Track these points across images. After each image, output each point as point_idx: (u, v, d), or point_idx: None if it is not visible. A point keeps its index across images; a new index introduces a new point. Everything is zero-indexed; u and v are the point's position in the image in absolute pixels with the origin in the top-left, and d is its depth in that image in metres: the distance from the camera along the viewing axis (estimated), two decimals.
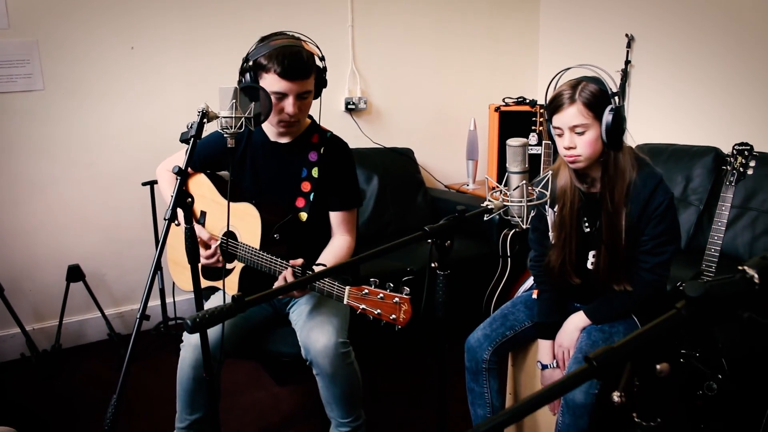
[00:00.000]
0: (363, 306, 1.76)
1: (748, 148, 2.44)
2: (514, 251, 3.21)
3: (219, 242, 2.15)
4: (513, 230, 3.22)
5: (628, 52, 4.07)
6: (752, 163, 2.43)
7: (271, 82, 2.00)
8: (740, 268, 0.76)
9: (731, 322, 0.73)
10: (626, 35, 4.04)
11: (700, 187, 3.51)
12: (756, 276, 0.74)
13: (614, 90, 1.85)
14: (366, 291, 1.76)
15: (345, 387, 2.10)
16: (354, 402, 2.17)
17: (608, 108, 1.83)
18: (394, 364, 3.16)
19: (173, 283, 3.26)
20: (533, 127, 3.55)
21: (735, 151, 2.46)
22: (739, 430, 2.42)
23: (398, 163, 3.88)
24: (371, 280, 1.75)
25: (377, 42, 3.98)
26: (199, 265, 1.81)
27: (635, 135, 4.07)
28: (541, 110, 2.41)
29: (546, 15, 4.60)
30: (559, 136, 1.92)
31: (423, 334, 2.35)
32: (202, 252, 2.14)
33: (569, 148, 1.90)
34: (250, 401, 2.80)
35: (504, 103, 4.00)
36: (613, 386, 0.76)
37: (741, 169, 2.45)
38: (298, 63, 2.00)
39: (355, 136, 3.88)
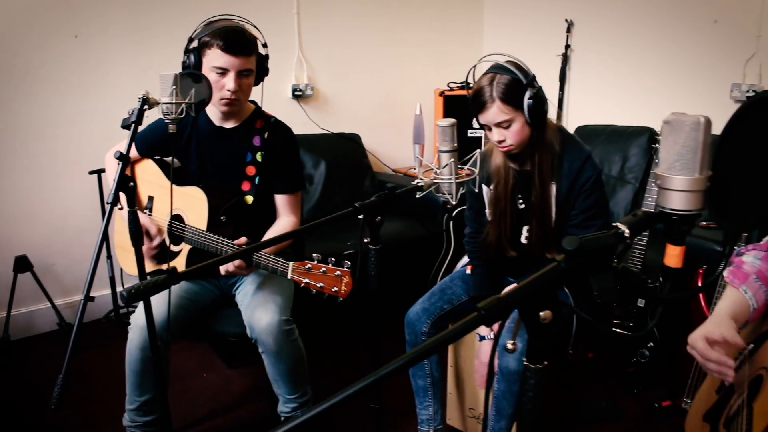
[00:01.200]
0: (306, 280, 1.81)
1: None
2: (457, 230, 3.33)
3: (164, 238, 2.20)
4: (456, 210, 3.32)
5: (567, 36, 4.20)
6: None
7: (213, 58, 2.05)
8: (614, 225, 0.85)
9: (606, 272, 0.82)
10: (566, 20, 4.17)
11: (636, 166, 3.67)
12: (627, 231, 0.84)
13: (528, 74, 1.93)
14: (309, 266, 1.81)
15: (290, 363, 2.17)
16: (300, 378, 2.23)
17: (526, 95, 1.91)
18: (339, 339, 3.26)
19: (121, 271, 3.29)
20: None
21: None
22: (668, 392, 2.58)
23: (346, 149, 3.95)
24: (314, 255, 1.82)
25: (324, 28, 4.03)
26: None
27: (575, 117, 4.23)
28: None
29: (490, 2, 4.70)
30: (489, 131, 2.01)
31: (361, 308, 2.44)
32: (146, 243, 2.20)
33: (500, 142, 1.99)
34: (201, 384, 2.85)
35: (448, 88, 4.09)
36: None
37: None
38: (241, 38, 2.07)
39: (303, 122, 3.93)
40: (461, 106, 3.98)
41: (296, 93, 3.93)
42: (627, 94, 4.00)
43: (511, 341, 0.88)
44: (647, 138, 3.66)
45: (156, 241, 2.24)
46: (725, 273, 1.40)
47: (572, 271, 0.81)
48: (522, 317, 0.82)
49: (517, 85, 1.90)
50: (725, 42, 3.52)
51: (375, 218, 1.57)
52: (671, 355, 2.61)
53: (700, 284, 2.45)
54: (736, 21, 3.46)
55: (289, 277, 1.86)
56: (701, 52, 3.62)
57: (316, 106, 4.07)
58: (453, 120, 1.79)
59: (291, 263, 1.85)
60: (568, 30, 4.19)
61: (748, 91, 3.41)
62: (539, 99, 1.91)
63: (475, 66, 2.01)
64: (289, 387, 2.22)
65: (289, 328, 2.13)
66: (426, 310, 2.22)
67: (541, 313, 0.80)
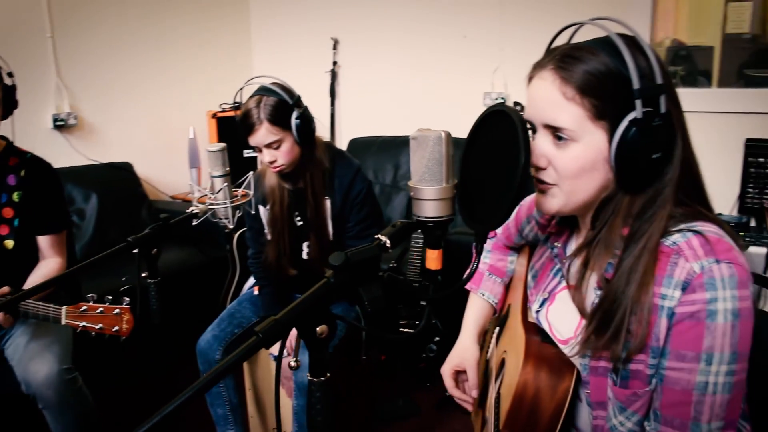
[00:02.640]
0: (83, 323, 1.72)
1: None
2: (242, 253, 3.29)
3: None
4: (239, 232, 3.29)
5: (334, 53, 4.36)
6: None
7: None
8: (376, 237, 0.91)
9: (373, 282, 0.87)
10: (332, 38, 4.33)
11: (407, 173, 3.88)
12: (388, 241, 0.90)
13: (294, 95, 1.99)
14: (84, 308, 1.72)
15: (77, 416, 2.01)
16: (89, 430, 2.08)
17: (293, 115, 1.97)
18: (129, 381, 3.06)
19: None
20: None
21: None
22: None
23: (118, 179, 3.74)
24: (88, 296, 1.72)
25: (83, 53, 3.76)
26: None
27: (348, 130, 4.39)
28: None
29: (256, 20, 4.72)
30: (259, 152, 2.03)
31: (147, 344, 2.33)
32: None
33: (272, 162, 2.01)
34: None
35: (221, 110, 4.04)
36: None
37: None
38: None
39: (68, 154, 3.64)
40: (235, 128, 3.96)
41: (57, 123, 3.62)
42: (394, 106, 4.24)
43: (294, 359, 0.90)
44: None
45: None
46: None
47: (342, 285, 0.85)
48: (299, 335, 0.84)
49: (283, 106, 1.95)
50: (475, 55, 3.88)
51: (151, 251, 1.52)
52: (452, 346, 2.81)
53: None
54: (481, 36, 3.83)
55: (63, 323, 1.73)
56: (455, 65, 3.96)
57: (81, 136, 3.79)
58: (223, 144, 1.79)
59: (64, 308, 1.73)
60: (335, 47, 4.35)
61: (497, 99, 3.79)
62: (306, 119, 1.98)
63: (242, 88, 2.02)
64: None
65: (71, 377, 1.97)
66: (216, 337, 2.18)
67: (318, 329, 0.83)
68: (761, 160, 2.97)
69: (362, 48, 4.29)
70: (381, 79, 4.26)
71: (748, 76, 3.29)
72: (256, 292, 2.27)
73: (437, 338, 2.87)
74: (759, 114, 3.09)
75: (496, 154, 0.95)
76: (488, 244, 1.54)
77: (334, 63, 4.36)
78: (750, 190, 2.98)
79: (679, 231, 0.97)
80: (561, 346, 1.13)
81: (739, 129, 3.08)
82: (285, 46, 4.61)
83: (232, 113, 3.99)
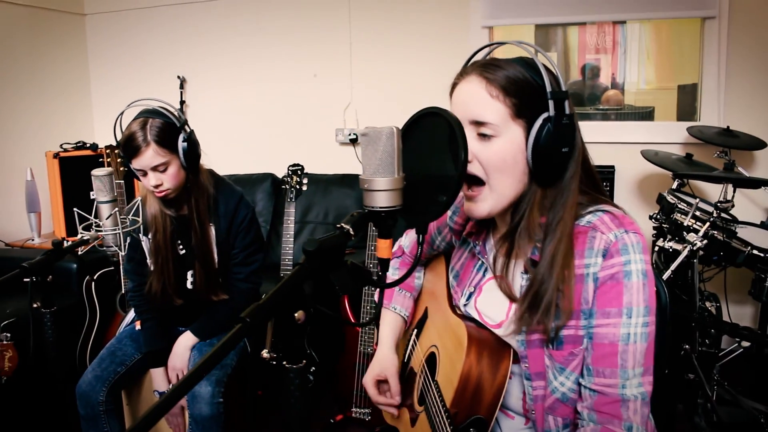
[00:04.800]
0: None
1: (300, 167, 2.81)
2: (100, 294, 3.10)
3: None
4: (96, 274, 3.10)
5: (182, 92, 4.29)
6: (305, 180, 2.80)
7: None
8: (338, 225, 0.95)
9: (341, 268, 0.92)
10: (178, 77, 4.26)
11: (264, 209, 3.90)
12: (351, 229, 0.95)
13: (180, 118, 1.98)
14: None
15: None
16: None
17: (180, 138, 1.95)
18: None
19: None
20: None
21: (290, 171, 2.81)
22: (338, 407, 2.79)
23: None
24: None
25: None
26: None
27: None
28: (115, 152, 2.42)
29: (95, 58, 4.52)
30: (144, 176, 1.97)
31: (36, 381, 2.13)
32: None
33: (157, 186, 1.96)
34: None
35: (62, 149, 3.81)
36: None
37: (297, 187, 2.80)
38: None
39: None
40: (80, 167, 3.76)
41: None
42: (245, 144, 4.25)
43: (266, 350, 0.91)
44: (270, 182, 3.94)
45: None
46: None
47: (314, 270, 0.88)
48: (278, 321, 0.86)
49: (171, 128, 1.93)
50: (326, 93, 4.01)
51: (46, 278, 1.43)
52: (333, 375, 2.84)
53: None
54: (332, 74, 3.98)
55: None
56: (308, 103, 4.07)
57: None
58: (109, 169, 1.74)
59: None
60: (182, 86, 4.28)
61: (349, 134, 3.93)
62: (192, 142, 1.96)
63: (122, 112, 1.96)
64: None
65: None
66: (99, 378, 2.04)
67: (296, 314, 0.86)
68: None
69: (211, 86, 4.27)
70: (232, 118, 4.26)
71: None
72: (138, 327, 2.16)
73: (313, 368, 2.88)
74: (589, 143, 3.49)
75: (430, 153, 1.04)
76: (395, 262, 1.63)
77: (182, 102, 4.29)
78: None
79: (590, 212, 1.14)
80: (495, 330, 1.24)
81: None
82: (127, 83, 4.46)
83: (76, 153, 3.78)
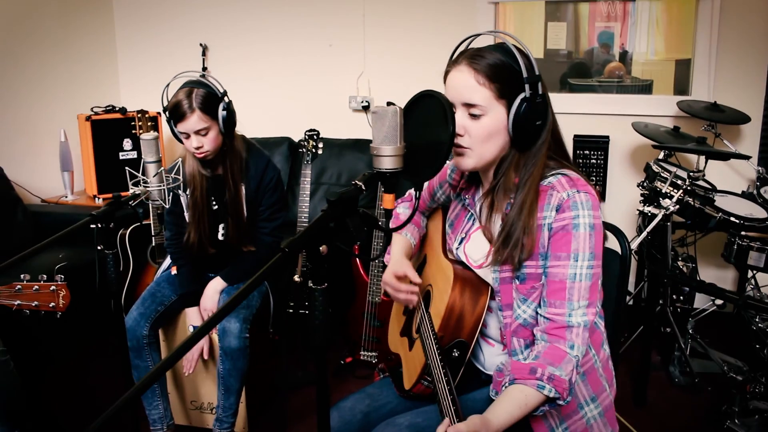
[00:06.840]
0: (18, 302, 1.78)
1: (317, 132, 3.05)
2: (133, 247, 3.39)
3: None
4: (130, 228, 3.39)
5: (204, 59, 4.53)
6: (320, 144, 3.05)
7: None
8: (353, 182, 1.22)
9: (355, 215, 1.19)
10: (200, 44, 4.50)
11: (281, 171, 4.16)
12: (363, 185, 1.22)
13: (221, 90, 2.26)
14: (19, 287, 1.79)
15: (3, 400, 2.08)
16: (12, 413, 2.15)
17: (220, 106, 2.23)
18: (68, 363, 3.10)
19: None
20: (133, 133, 3.81)
21: (307, 136, 3.05)
22: (348, 350, 3.08)
23: None
24: (22, 276, 1.80)
25: None
26: None
27: None
28: (146, 116, 2.74)
29: (121, 25, 4.76)
30: (187, 138, 2.25)
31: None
32: None
33: (198, 148, 2.24)
34: None
35: (93, 113, 4.07)
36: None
37: (314, 150, 3.04)
38: None
39: None
40: (111, 130, 4.03)
41: None
42: (263, 109, 4.50)
43: (297, 275, 1.19)
44: (287, 146, 4.21)
45: None
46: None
47: (335, 216, 1.16)
48: (308, 252, 1.13)
49: (213, 97, 2.21)
50: (340, 62, 4.26)
51: (109, 225, 1.71)
52: (345, 321, 3.14)
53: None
54: (346, 44, 4.22)
55: None
56: (323, 71, 4.32)
57: None
58: (155, 133, 2.00)
59: None
60: (204, 53, 4.52)
61: (362, 102, 4.18)
62: (230, 111, 2.24)
63: (168, 84, 2.24)
64: None
65: (4, 359, 2.06)
66: (143, 315, 2.35)
67: (321, 248, 1.13)
68: (586, 152, 3.59)
69: (231, 54, 4.52)
70: (251, 85, 4.50)
71: (571, 84, 3.96)
72: (174, 272, 2.46)
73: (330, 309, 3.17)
74: (582, 114, 3.72)
75: (427, 126, 1.31)
76: (406, 204, 1.90)
77: (204, 68, 4.54)
78: None
79: (552, 175, 1.42)
80: (477, 270, 1.53)
81: (568, 127, 3.69)
82: (152, 51, 4.70)
83: (106, 116, 4.05)
